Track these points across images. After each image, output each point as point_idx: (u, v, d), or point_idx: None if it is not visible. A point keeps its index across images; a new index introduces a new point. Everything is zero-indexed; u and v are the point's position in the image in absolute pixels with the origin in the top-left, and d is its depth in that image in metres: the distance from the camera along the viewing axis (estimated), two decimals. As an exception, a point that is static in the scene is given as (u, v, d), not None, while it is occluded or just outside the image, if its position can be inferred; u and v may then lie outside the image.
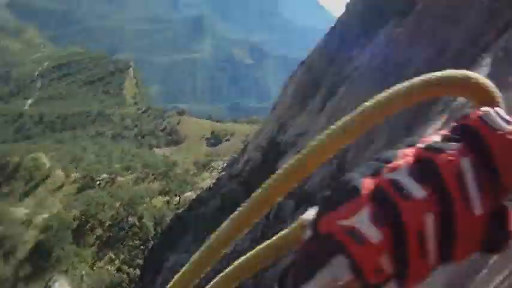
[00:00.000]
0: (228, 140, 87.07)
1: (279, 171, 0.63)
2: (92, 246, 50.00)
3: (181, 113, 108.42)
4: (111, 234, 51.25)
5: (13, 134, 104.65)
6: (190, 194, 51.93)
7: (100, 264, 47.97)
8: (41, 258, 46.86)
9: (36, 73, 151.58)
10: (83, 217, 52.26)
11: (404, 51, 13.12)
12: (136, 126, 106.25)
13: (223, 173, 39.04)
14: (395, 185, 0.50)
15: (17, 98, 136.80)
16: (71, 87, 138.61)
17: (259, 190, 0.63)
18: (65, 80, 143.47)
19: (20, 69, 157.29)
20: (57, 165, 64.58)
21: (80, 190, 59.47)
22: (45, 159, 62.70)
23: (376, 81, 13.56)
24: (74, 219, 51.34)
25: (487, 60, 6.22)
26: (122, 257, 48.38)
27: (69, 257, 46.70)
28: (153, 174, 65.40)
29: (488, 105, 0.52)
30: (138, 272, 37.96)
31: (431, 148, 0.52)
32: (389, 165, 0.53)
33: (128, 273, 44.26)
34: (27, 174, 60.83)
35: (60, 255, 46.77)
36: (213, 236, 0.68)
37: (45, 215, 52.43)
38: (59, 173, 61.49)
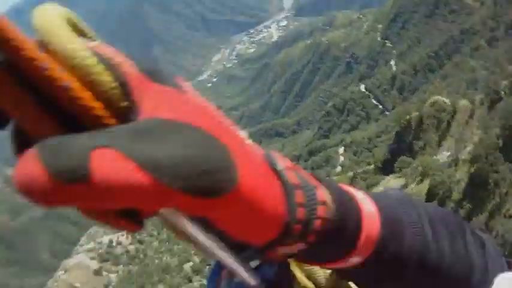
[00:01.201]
0: None
1: None
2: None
3: None
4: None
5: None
6: None
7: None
8: (478, 190, 41.34)
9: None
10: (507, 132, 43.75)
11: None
12: None
13: None
14: None
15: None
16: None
17: None
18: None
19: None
20: (458, 98, 58.53)
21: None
22: (446, 100, 57.60)
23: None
24: (498, 138, 43.70)
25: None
26: None
27: (506, 177, 39.50)
28: None
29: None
30: None
31: None
32: None
33: None
34: (432, 120, 57.23)
35: (497, 178, 40.20)
36: None
37: (468, 148, 47.49)
38: (464, 103, 54.97)
